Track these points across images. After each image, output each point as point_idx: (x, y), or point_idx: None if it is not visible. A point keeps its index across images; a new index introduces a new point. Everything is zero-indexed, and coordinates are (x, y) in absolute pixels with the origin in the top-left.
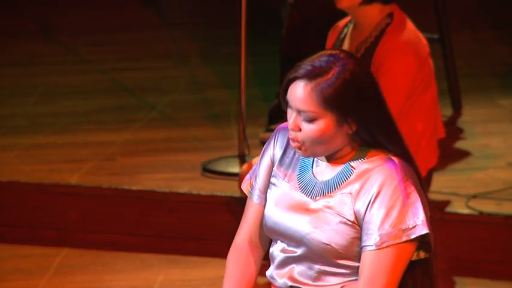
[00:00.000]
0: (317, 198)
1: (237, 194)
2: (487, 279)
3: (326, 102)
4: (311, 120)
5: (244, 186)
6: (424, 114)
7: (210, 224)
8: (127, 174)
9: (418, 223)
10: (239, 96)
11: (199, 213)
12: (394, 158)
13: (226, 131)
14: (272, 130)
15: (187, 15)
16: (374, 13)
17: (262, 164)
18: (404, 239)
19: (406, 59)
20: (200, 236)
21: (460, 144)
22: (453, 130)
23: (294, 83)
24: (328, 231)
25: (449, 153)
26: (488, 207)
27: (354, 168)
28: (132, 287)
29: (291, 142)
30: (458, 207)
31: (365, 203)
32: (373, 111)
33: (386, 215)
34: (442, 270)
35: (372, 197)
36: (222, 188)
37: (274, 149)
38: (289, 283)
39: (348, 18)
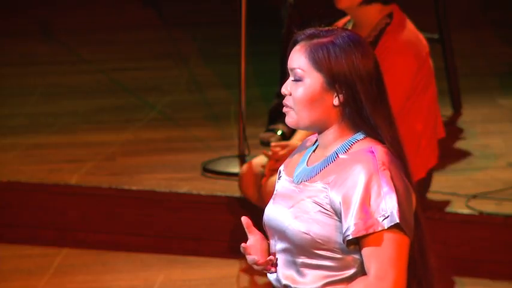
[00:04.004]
0: (300, 182)
1: (237, 194)
2: (487, 279)
3: (316, 63)
4: (299, 79)
5: None
6: (424, 114)
7: (210, 224)
8: (127, 174)
9: (390, 213)
10: (239, 96)
11: (199, 213)
12: (376, 148)
13: (226, 131)
14: (272, 130)
15: (187, 15)
16: (374, 13)
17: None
18: (379, 228)
19: (406, 59)
20: (200, 236)
21: (460, 144)
22: (453, 130)
23: (296, 45)
24: (307, 220)
25: (449, 153)
26: (488, 207)
27: (338, 158)
28: (132, 287)
29: (284, 108)
30: (458, 207)
31: (339, 194)
32: (365, 86)
33: (361, 205)
34: (440, 269)
35: (347, 188)
36: (222, 188)
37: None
38: (283, 281)
39: (347, 18)
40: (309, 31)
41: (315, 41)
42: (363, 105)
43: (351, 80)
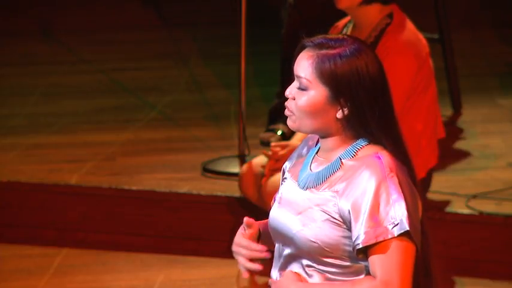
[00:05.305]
0: (306, 189)
1: (237, 194)
2: (486, 279)
3: (322, 76)
4: (304, 89)
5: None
6: (424, 114)
7: (210, 224)
8: (127, 174)
9: (400, 221)
10: (239, 96)
11: (199, 213)
12: (382, 153)
13: (226, 131)
14: (272, 130)
15: (187, 15)
16: (374, 13)
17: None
18: (389, 236)
19: (406, 59)
20: (200, 236)
21: (460, 144)
22: (453, 130)
23: (304, 51)
24: (315, 228)
25: (449, 153)
26: (488, 207)
27: (343, 164)
28: (132, 287)
29: (286, 111)
30: (458, 207)
31: (349, 202)
32: (370, 101)
33: (370, 213)
34: (441, 271)
35: (356, 196)
36: (222, 188)
37: (286, 162)
38: None
39: (347, 18)
40: (317, 39)
41: (323, 52)
42: (367, 119)
43: (356, 96)
